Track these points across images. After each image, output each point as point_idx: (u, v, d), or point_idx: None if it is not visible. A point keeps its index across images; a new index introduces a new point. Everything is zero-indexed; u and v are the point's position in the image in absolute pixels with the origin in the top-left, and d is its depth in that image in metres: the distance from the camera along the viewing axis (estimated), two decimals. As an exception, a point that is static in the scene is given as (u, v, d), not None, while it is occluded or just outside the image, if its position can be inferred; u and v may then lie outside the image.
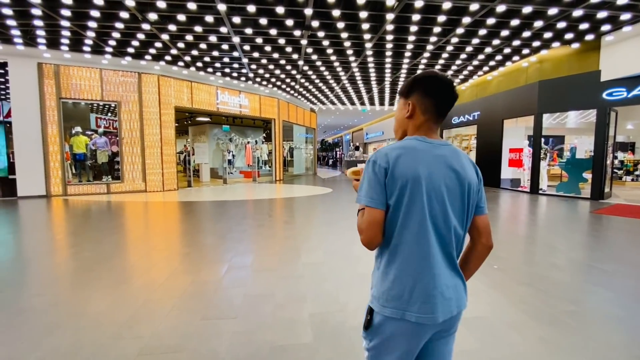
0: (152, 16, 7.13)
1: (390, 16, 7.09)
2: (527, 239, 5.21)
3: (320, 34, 8.17)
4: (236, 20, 7.32)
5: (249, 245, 4.75)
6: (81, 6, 6.65)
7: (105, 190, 10.61)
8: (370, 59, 10.39)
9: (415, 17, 7.19)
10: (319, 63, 10.84)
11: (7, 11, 6.78)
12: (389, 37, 8.41)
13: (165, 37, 8.28)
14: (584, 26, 7.79)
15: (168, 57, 10.18)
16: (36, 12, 6.81)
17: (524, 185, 11.15)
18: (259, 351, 2.15)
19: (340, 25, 7.68)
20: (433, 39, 8.46)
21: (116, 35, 8.22)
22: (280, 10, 6.88)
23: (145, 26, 7.56)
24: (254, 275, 3.51)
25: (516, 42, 8.80)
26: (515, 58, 10.51)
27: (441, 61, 10.56)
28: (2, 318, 2.57)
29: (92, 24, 7.49)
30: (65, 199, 9.42)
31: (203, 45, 9.10)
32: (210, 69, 11.74)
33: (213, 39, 8.56)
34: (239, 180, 16.37)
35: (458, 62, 10.68)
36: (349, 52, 9.64)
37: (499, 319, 2.58)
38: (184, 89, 11.94)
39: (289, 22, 7.49)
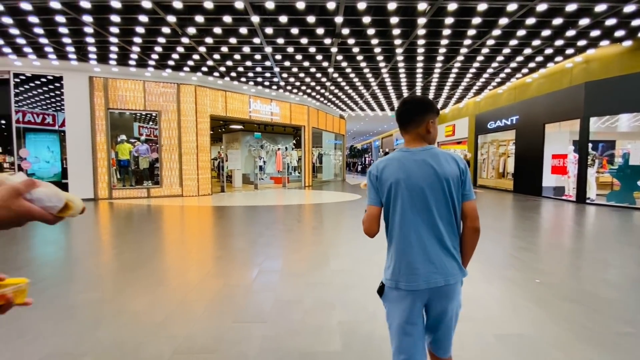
0: (191, 30, 7.53)
1: (422, 20, 6.98)
2: (573, 251, 4.83)
3: (351, 41, 8.21)
4: (268, 30, 7.55)
5: (279, 249, 4.81)
6: (128, 23, 7.17)
7: (145, 194, 11.24)
8: (400, 64, 10.27)
9: (448, 20, 7.02)
10: (348, 70, 10.88)
11: (64, 30, 7.46)
12: (421, 42, 8.27)
13: (202, 49, 8.71)
14: (636, 22, 7.21)
15: (204, 68, 10.68)
16: (88, 30, 7.44)
17: (568, 193, 10.40)
18: (288, 357, 2.15)
19: (371, 31, 7.67)
20: (467, 41, 8.21)
21: (158, 49, 8.77)
22: (311, 19, 7.00)
23: (185, 40, 8.00)
24: (284, 280, 3.54)
25: (559, 42, 8.32)
26: (558, 59, 9.93)
27: (476, 64, 10.21)
28: (54, 312, 2.78)
29: (137, 40, 8.05)
30: (111, 202, 10.09)
31: (237, 56, 9.46)
32: (243, 79, 12.16)
33: (247, 49, 8.87)
34: (269, 186, 16.68)
35: (494, 64, 10.27)
36: (379, 58, 9.59)
37: (542, 337, 2.40)
38: (219, 98, 12.44)
39: (320, 31, 7.61)
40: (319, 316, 2.71)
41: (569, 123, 10.68)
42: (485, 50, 8.97)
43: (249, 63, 10.09)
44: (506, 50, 8.97)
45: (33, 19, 6.91)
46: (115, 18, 6.86)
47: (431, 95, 15.18)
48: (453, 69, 10.82)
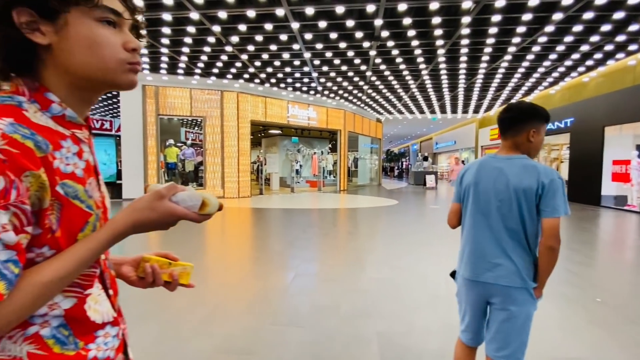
0: (234, 39, 7.86)
1: (466, 19, 6.70)
2: (639, 268, 4.33)
3: (390, 43, 8.08)
4: (308, 36, 7.66)
5: (315, 253, 4.82)
6: (177, 34, 7.66)
7: (189, 195, 11.86)
8: (442, 66, 9.91)
9: (495, 17, 6.66)
10: (387, 73, 10.71)
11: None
12: (464, 42, 7.93)
13: (244, 57, 9.05)
14: None
15: (246, 75, 11.09)
16: (143, 42, 8.04)
17: (632, 203, 9.35)
18: (325, 364, 2.13)
19: (411, 33, 7.50)
20: (516, 39, 7.73)
21: (204, 58, 9.26)
22: (350, 23, 7.00)
23: (228, 48, 8.37)
24: (320, 285, 3.54)
25: (620, 38, 7.55)
26: (620, 55, 9.02)
27: (525, 63, 9.57)
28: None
29: (185, 49, 8.56)
30: (158, 202, 10.76)
31: (277, 63, 9.71)
32: (282, 85, 12.45)
33: (286, 55, 9.07)
34: (305, 189, 16.86)
35: (546, 63, 9.56)
36: (420, 59, 9.33)
37: (606, 364, 2.16)
38: (259, 104, 12.84)
39: (358, 35, 7.58)
40: (356, 324, 2.66)
41: (632, 126, 9.63)
42: (536, 48, 8.39)
43: (288, 69, 10.31)
44: (560, 48, 8.32)
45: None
46: (166, 30, 7.35)
47: (475, 97, 14.48)
48: (499, 69, 10.24)
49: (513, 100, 15.25)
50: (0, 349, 0.49)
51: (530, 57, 9.01)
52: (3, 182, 0.43)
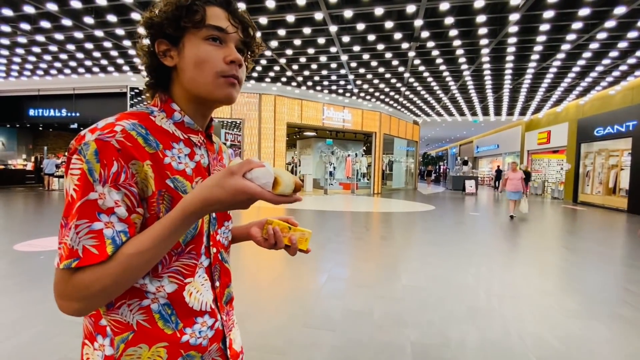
0: (273, 43, 8.06)
1: (514, 16, 6.33)
2: None
3: (430, 44, 7.85)
4: (345, 39, 7.66)
5: (347, 257, 4.78)
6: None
7: (227, 194, 12.32)
8: (486, 66, 9.45)
9: (548, 13, 6.23)
10: (426, 74, 10.41)
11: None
12: (511, 40, 7.50)
13: (282, 60, 9.25)
14: None
15: (284, 79, 11.32)
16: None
17: None
18: (357, 371, 2.09)
19: (453, 32, 7.23)
20: (571, 36, 7.17)
21: (244, 62, 9.58)
22: (389, 24, 6.90)
23: (267, 52, 8.59)
24: (353, 289, 3.49)
25: (700, 30, 6.73)
26: (698, 50, 8.04)
27: (581, 62, 8.84)
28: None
29: (227, 55, 8.92)
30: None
31: (314, 66, 9.81)
32: (318, 87, 12.55)
33: (323, 58, 9.14)
34: (338, 192, 16.83)
35: (606, 61, 8.76)
36: (461, 60, 8.97)
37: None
38: (295, 106, 13.05)
39: (397, 36, 7.44)
40: (390, 333, 2.59)
41: None
42: (594, 45, 7.72)
43: (324, 72, 10.37)
44: (622, 44, 7.58)
45: (146, 42, 8.16)
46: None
47: (522, 99, 13.63)
48: (551, 68, 9.55)
49: (566, 102, 14.13)
50: (119, 314, 0.58)
51: (587, 54, 8.31)
52: (116, 166, 0.53)
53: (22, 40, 8.25)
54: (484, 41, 7.58)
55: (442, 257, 4.81)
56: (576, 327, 2.70)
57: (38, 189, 14.13)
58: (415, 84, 11.78)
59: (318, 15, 6.60)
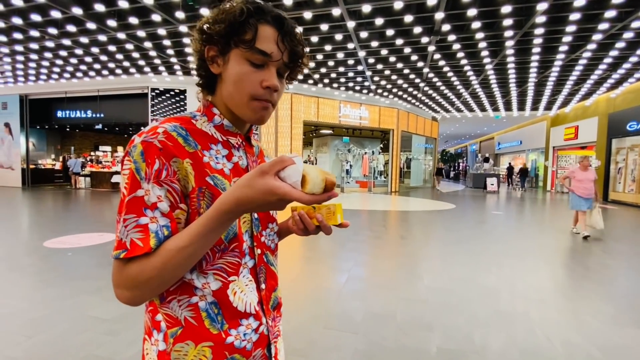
0: (290, 41, 8.01)
1: (542, 6, 6.02)
2: None
3: (451, 37, 7.60)
4: (363, 35, 7.53)
5: (367, 257, 4.69)
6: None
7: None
8: (510, 59, 9.08)
9: (578, 2, 5.90)
10: (446, 69, 10.12)
11: (189, 50, 8.77)
12: (538, 31, 7.15)
13: (298, 58, 9.20)
14: None
15: (300, 76, 11.26)
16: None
17: None
18: (381, 377, 2.02)
19: (475, 25, 6.97)
20: (603, 25, 6.77)
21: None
22: (408, 18, 6.72)
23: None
24: (374, 290, 3.41)
25: None
26: None
27: (613, 52, 8.35)
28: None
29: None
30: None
31: (331, 63, 9.71)
32: (335, 84, 12.44)
33: (340, 55, 9.03)
34: (355, 190, 16.68)
35: (641, 51, 8.24)
36: (484, 53, 8.65)
37: None
38: (312, 104, 12.99)
39: (417, 30, 7.25)
40: (415, 337, 2.50)
41: None
42: (628, 35, 7.26)
43: (341, 69, 10.25)
44: (661, 32, 7.10)
45: (166, 42, 8.30)
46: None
47: (547, 92, 13.06)
48: (580, 60, 9.07)
49: (596, 95, 13.43)
50: (170, 307, 0.62)
51: (620, 45, 7.84)
52: (158, 163, 0.56)
53: (50, 44, 8.55)
54: (508, 33, 7.27)
55: (466, 258, 4.65)
56: (620, 337, 2.52)
57: (66, 187, 14.73)
58: (435, 79, 11.48)
59: (335, 11, 6.50)
